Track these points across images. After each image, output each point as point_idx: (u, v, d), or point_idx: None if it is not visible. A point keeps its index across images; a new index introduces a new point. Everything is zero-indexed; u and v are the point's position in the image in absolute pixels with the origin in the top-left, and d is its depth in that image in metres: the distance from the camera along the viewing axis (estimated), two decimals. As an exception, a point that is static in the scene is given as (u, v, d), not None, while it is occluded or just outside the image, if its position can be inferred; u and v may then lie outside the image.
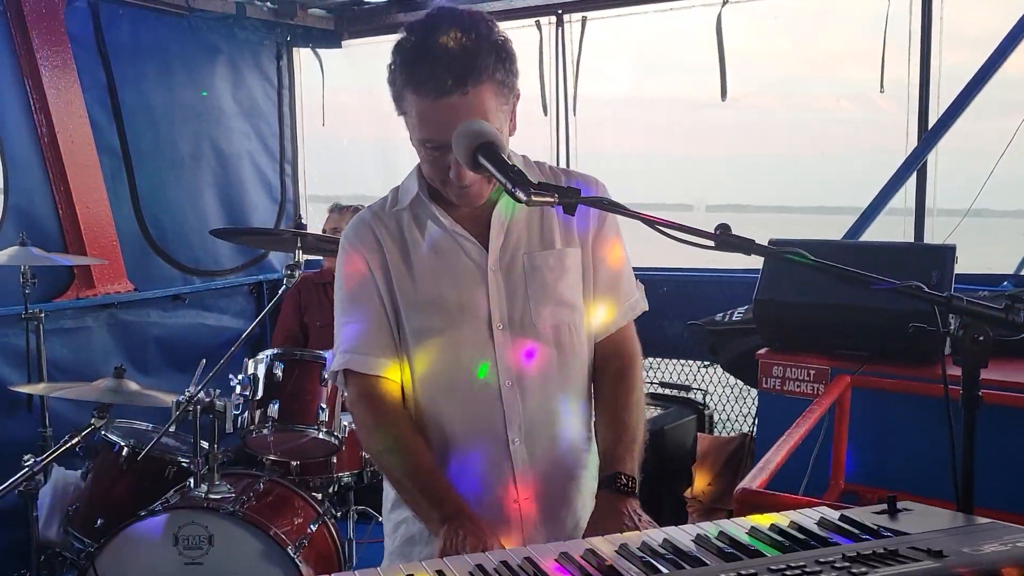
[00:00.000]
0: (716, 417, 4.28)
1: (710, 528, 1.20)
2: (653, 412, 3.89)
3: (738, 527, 1.20)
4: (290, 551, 2.69)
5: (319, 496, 3.15)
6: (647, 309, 1.80)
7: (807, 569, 1.01)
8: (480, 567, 1.08)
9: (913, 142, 3.90)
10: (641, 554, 1.10)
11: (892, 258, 3.13)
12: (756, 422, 3.42)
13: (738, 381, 4.21)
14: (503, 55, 1.50)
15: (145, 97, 4.41)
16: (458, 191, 1.56)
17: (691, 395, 4.24)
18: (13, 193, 3.87)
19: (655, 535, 1.18)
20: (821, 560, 1.04)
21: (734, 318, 3.70)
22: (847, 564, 1.03)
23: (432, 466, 1.58)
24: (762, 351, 3.27)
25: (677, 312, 4.16)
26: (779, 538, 1.14)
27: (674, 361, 4.50)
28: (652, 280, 4.47)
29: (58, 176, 3.98)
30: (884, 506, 1.27)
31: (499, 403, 1.62)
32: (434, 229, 1.65)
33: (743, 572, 1.01)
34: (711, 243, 1.32)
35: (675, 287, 4.33)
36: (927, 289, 1.33)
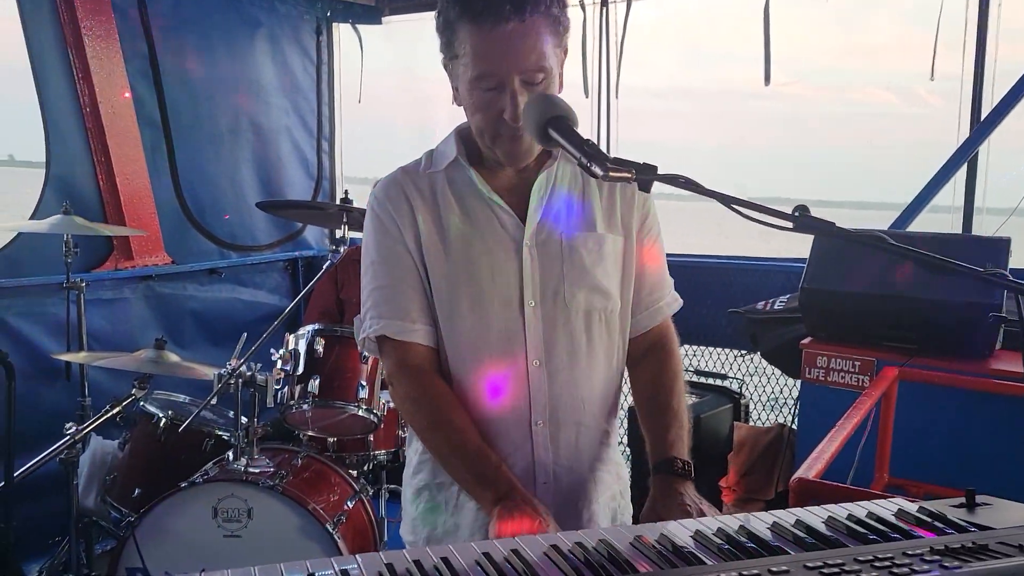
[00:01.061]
0: (752, 407, 4.23)
1: (785, 516, 1.16)
2: (689, 400, 3.85)
3: (814, 516, 1.17)
4: (328, 527, 2.70)
5: (355, 473, 3.15)
6: (682, 304, 1.76)
7: (896, 561, 0.97)
8: (555, 547, 1.05)
9: (964, 135, 3.80)
10: (719, 541, 1.07)
11: (946, 249, 3.04)
12: (797, 412, 3.37)
13: (775, 370, 4.16)
14: (555, 9, 1.46)
15: (186, 69, 4.40)
16: (508, 146, 1.51)
17: (727, 383, 4.19)
18: (55, 162, 3.88)
19: (730, 522, 1.15)
20: (909, 553, 1.00)
21: (776, 307, 3.65)
22: (937, 557, 0.99)
23: (479, 442, 1.53)
24: (806, 341, 3.23)
25: (715, 300, 4.11)
26: (859, 528, 1.11)
27: (710, 349, 4.45)
28: (691, 267, 4.47)
29: (99, 147, 3.99)
30: (962, 499, 1.23)
31: (525, 382, 1.58)
32: (470, 195, 1.59)
33: (829, 562, 0.97)
34: (790, 224, 1.27)
35: (713, 275, 4.28)
36: (1011, 277, 1.28)
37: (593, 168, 1.26)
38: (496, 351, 1.57)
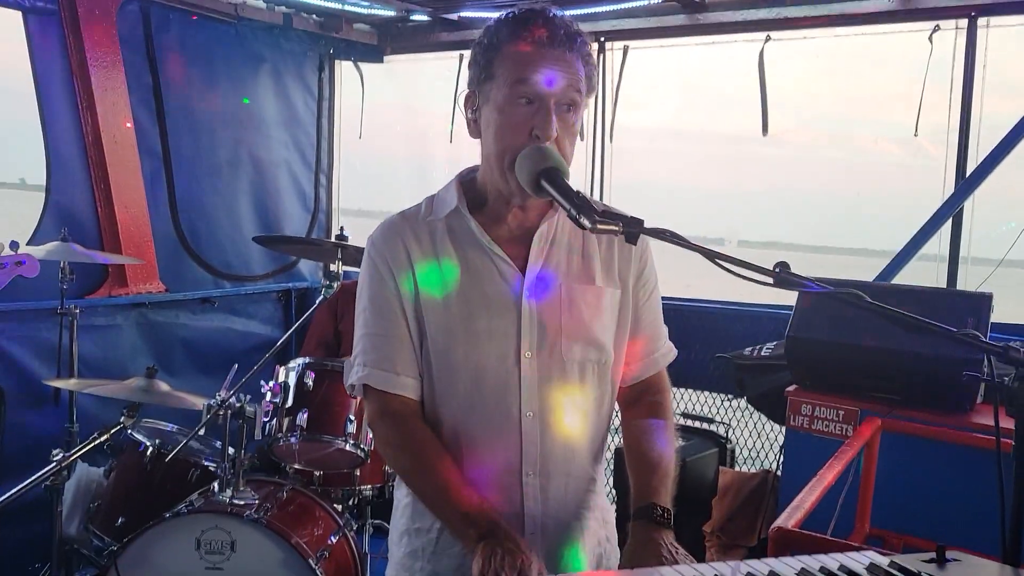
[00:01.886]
0: (738, 452, 4.25)
1: (759, 567, 1.19)
2: (676, 443, 3.86)
3: (788, 567, 1.20)
4: (311, 562, 2.69)
5: (339, 508, 3.15)
6: (690, 356, 1.80)
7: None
8: None
9: (950, 188, 3.89)
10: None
11: (929, 303, 3.11)
12: (781, 459, 3.39)
13: (762, 416, 4.18)
14: (594, 60, 1.54)
15: (189, 102, 4.47)
16: None
17: (714, 428, 4.21)
18: (55, 189, 3.93)
19: (705, 570, 1.17)
20: (876, 606, 1.03)
21: (763, 353, 3.68)
22: (903, 612, 1.02)
23: (461, 482, 1.55)
24: (791, 388, 3.26)
25: (702, 344, 4.14)
26: (830, 581, 1.14)
27: (697, 392, 4.48)
28: (680, 310, 4.51)
29: (100, 175, 4.04)
30: (933, 555, 1.26)
31: (518, 434, 1.59)
32: (469, 244, 1.60)
33: (798, 613, 1.00)
34: (770, 280, 1.32)
35: (702, 319, 4.32)
36: (983, 338, 1.32)
37: (582, 220, 1.31)
38: (490, 402, 1.59)
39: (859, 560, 1.23)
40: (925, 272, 4.14)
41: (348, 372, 1.67)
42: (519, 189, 1.51)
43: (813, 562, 1.21)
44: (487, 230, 1.60)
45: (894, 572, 1.19)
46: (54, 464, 2.82)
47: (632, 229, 1.30)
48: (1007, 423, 1.34)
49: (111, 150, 4.04)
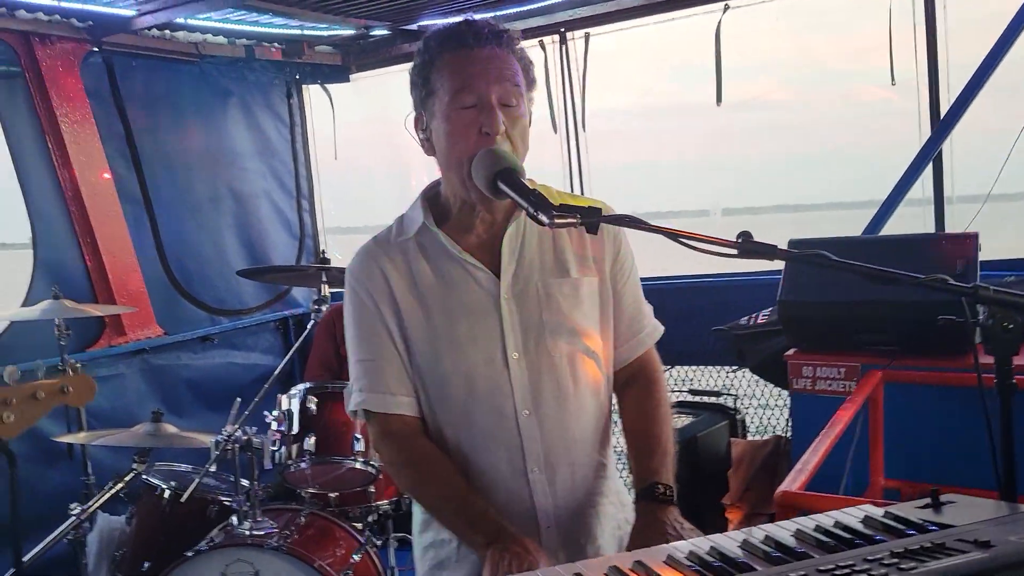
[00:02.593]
0: (748, 421, 4.27)
1: (756, 532, 1.21)
2: (684, 420, 3.88)
3: (783, 530, 1.21)
4: (336, 582, 2.72)
5: (359, 526, 3.17)
6: (663, 331, 1.81)
7: (856, 568, 1.02)
8: None
9: (927, 133, 3.89)
10: (689, 563, 1.12)
11: (916, 250, 3.12)
12: (790, 424, 3.41)
13: (768, 383, 4.20)
14: (526, 53, 1.59)
15: (162, 144, 4.51)
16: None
17: (721, 400, 4.23)
18: (42, 247, 3.96)
19: (701, 543, 1.19)
20: (869, 558, 1.04)
21: (759, 320, 3.70)
22: (895, 560, 1.03)
23: (466, 490, 1.58)
24: (790, 352, 3.27)
25: (701, 319, 4.15)
26: (825, 539, 1.15)
27: (702, 368, 4.50)
28: (673, 288, 4.52)
29: (84, 229, 4.07)
30: (928, 500, 1.28)
31: (516, 433, 1.61)
32: (442, 258, 1.63)
33: (791, 575, 1.02)
34: (734, 251, 1.34)
35: (696, 294, 4.34)
36: (952, 281, 1.34)
37: (540, 217, 1.32)
38: (485, 407, 1.61)
39: (854, 515, 1.24)
40: (914, 218, 4.15)
41: (348, 399, 1.70)
42: (480, 195, 1.53)
43: (809, 522, 1.23)
44: (457, 240, 1.63)
45: (889, 522, 1.20)
46: (73, 518, 2.86)
47: (590, 219, 1.31)
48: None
49: (92, 203, 4.07)
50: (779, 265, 3.80)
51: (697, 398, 4.26)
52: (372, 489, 3.26)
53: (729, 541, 1.20)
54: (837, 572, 1.01)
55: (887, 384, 2.95)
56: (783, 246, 1.37)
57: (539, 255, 1.65)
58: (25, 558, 2.78)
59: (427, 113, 1.58)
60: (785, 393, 4.21)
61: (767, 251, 1.33)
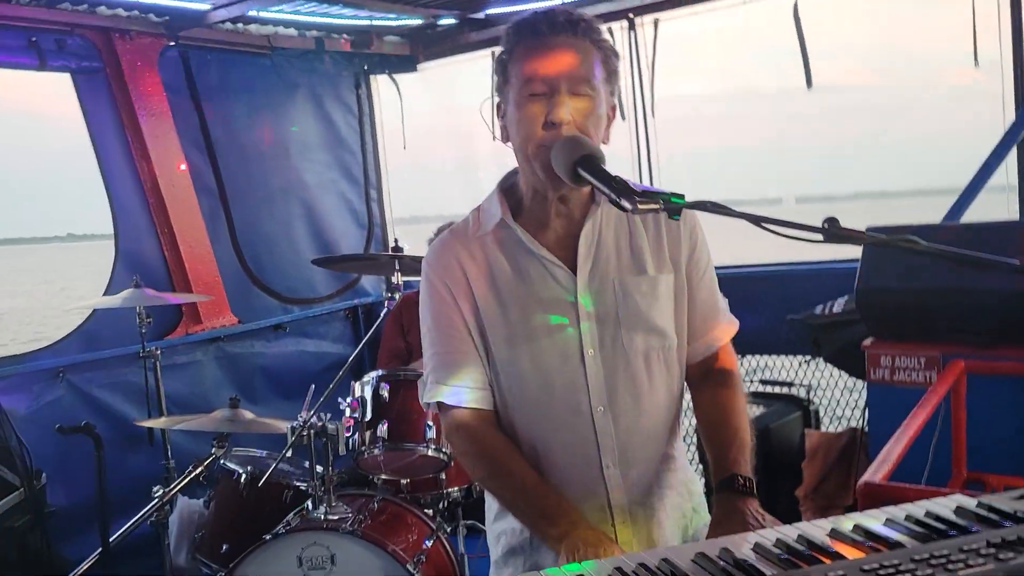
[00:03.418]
0: (822, 412, 4.18)
1: (843, 522, 1.18)
2: (756, 411, 3.83)
3: (872, 519, 1.18)
4: (409, 567, 2.75)
5: (430, 512, 3.22)
6: (738, 326, 1.78)
7: (952, 558, 0.99)
8: (619, 570, 1.09)
9: (1011, 116, 3.74)
10: (778, 551, 1.10)
11: (1000, 237, 3.01)
12: (867, 415, 3.32)
13: (843, 374, 4.10)
14: (608, 42, 1.57)
15: (235, 136, 4.61)
16: (546, 157, 1.52)
17: (794, 391, 4.15)
18: (123, 238, 4.09)
19: (788, 531, 1.17)
20: (965, 548, 1.02)
21: (835, 310, 3.61)
22: (992, 551, 1.00)
23: (539, 483, 1.59)
24: (868, 341, 3.19)
25: (772, 308, 4.08)
26: (917, 528, 1.12)
27: (773, 357, 4.41)
28: (744, 277, 4.45)
29: (162, 219, 4.19)
30: (1022, 492, 1.23)
31: (592, 429, 1.62)
32: (520, 253, 1.63)
33: (885, 563, 0.99)
34: (820, 237, 1.30)
35: (767, 283, 4.26)
36: (1052, 266, 1.28)
37: (622, 203, 1.31)
38: (560, 403, 1.62)
39: (946, 504, 1.21)
40: (996, 205, 4.00)
41: (422, 390, 1.72)
42: (548, 179, 1.53)
43: (899, 511, 1.20)
44: (534, 236, 1.63)
45: (982, 512, 1.16)
46: (156, 500, 2.96)
47: (673, 205, 1.29)
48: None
49: (169, 194, 4.19)
50: (854, 253, 3.72)
51: (769, 388, 4.18)
52: (443, 476, 3.30)
53: (816, 530, 1.17)
54: (933, 561, 0.99)
55: (969, 374, 2.86)
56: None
57: (616, 252, 1.64)
58: (111, 538, 2.89)
59: (504, 101, 1.60)
60: (860, 384, 4.11)
61: (855, 236, 1.29)
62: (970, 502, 1.21)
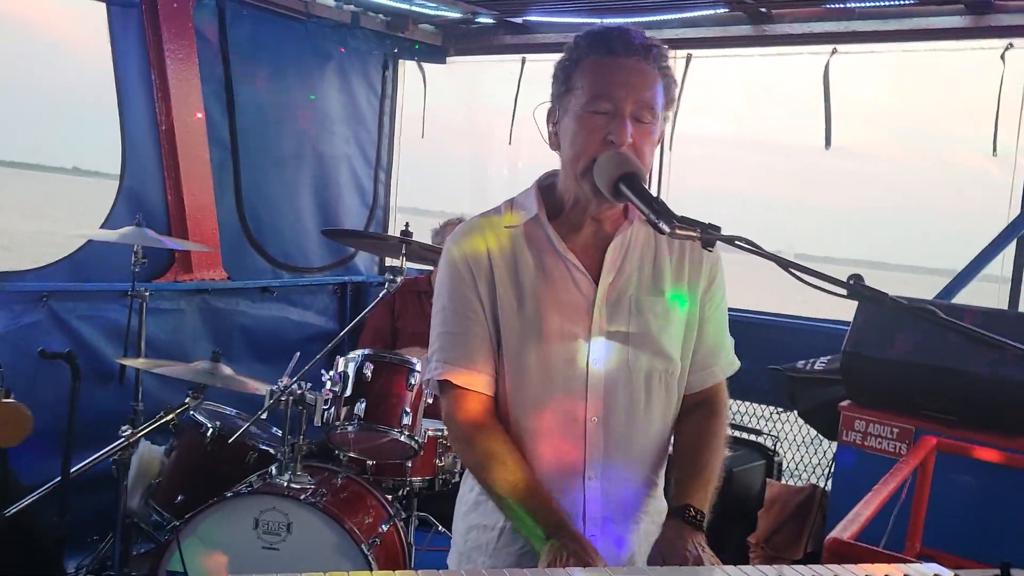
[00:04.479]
0: (785, 464, 4.23)
1: (823, 572, 1.21)
2: (724, 455, 3.86)
3: (852, 574, 1.22)
4: (364, 547, 2.76)
5: (390, 498, 3.22)
6: (739, 367, 1.81)
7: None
8: None
9: (1017, 209, 3.83)
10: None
11: (994, 325, 3.07)
12: (831, 474, 3.38)
13: (811, 431, 4.17)
14: (672, 71, 1.60)
15: (258, 95, 4.59)
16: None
17: (762, 440, 4.20)
18: (128, 175, 4.06)
19: (768, 571, 1.20)
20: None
21: (816, 367, 3.67)
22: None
23: (532, 481, 1.60)
24: (845, 403, 3.25)
25: (755, 355, 4.09)
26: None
27: (746, 404, 4.47)
28: (732, 321, 4.46)
29: (171, 163, 4.17)
30: (997, 572, 1.27)
31: (582, 438, 1.63)
32: (547, 252, 1.65)
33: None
34: (844, 292, 1.34)
35: (754, 330, 4.31)
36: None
37: (660, 225, 1.34)
38: (558, 406, 1.63)
39: (924, 571, 1.24)
40: (986, 293, 4.09)
41: (424, 368, 1.72)
42: (594, 195, 1.56)
43: (878, 572, 1.23)
44: (564, 238, 1.65)
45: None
46: (123, 440, 2.94)
47: (709, 236, 1.33)
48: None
49: (182, 140, 4.16)
50: (841, 315, 3.79)
51: (738, 433, 4.23)
52: (409, 464, 3.30)
53: (794, 574, 1.20)
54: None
55: (938, 452, 2.92)
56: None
57: (638, 270, 1.67)
58: (73, 470, 2.87)
59: (560, 109, 1.61)
60: (826, 444, 4.18)
61: (877, 297, 1.33)
62: (947, 572, 1.24)
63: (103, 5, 3.92)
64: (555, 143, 1.64)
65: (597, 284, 1.64)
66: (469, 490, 1.76)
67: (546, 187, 1.71)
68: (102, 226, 3.90)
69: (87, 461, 2.90)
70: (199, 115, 4.28)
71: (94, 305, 3.86)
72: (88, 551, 3.54)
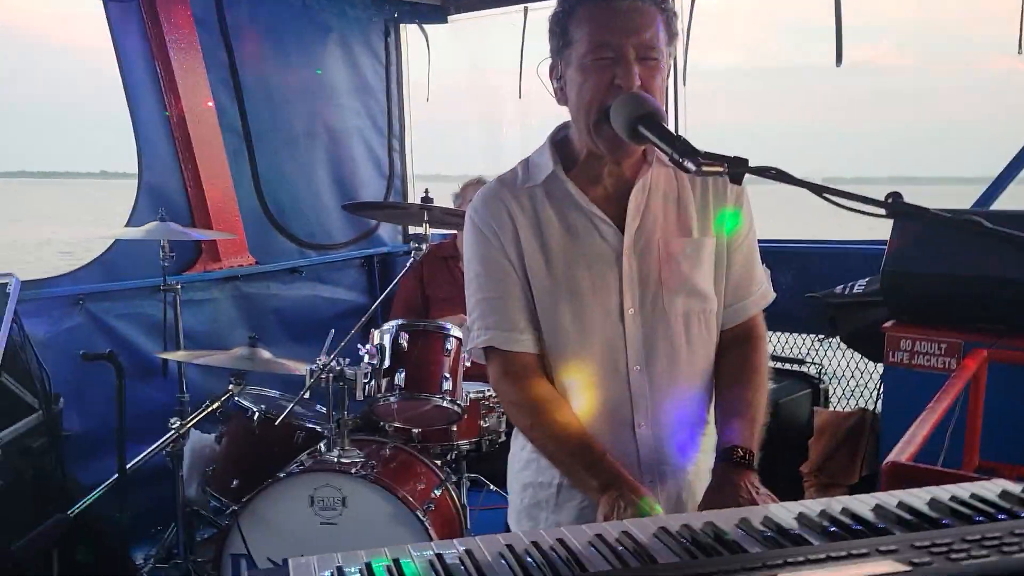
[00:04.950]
0: (832, 391, 4.20)
1: (887, 499, 1.19)
2: (767, 389, 3.84)
3: (916, 498, 1.19)
4: (418, 514, 2.79)
5: (439, 463, 3.25)
6: (775, 297, 1.78)
7: (1005, 540, 0.99)
8: (600, 536, 1.10)
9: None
10: (824, 522, 1.10)
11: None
12: (880, 397, 3.34)
13: (856, 355, 4.12)
14: (671, 4, 1.55)
15: (263, 77, 4.55)
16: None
17: (806, 368, 4.17)
18: (147, 171, 4.07)
19: (832, 504, 1.17)
20: (1017, 532, 1.02)
21: (855, 290, 3.61)
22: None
23: (583, 434, 1.59)
24: (889, 324, 3.19)
25: (790, 284, 4.08)
26: (965, 510, 1.13)
27: (787, 334, 4.42)
28: (765, 252, 4.41)
29: (187, 155, 4.16)
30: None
31: (627, 388, 1.63)
32: (569, 207, 1.63)
33: (938, 541, 0.99)
34: (882, 211, 1.29)
35: (788, 259, 4.25)
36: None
37: (685, 163, 1.30)
38: (597, 359, 1.62)
39: (990, 488, 1.21)
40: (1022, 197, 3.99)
41: (466, 337, 1.72)
42: (608, 145, 1.53)
43: (942, 492, 1.20)
44: (584, 191, 1.63)
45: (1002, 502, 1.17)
46: (173, 432, 2.98)
47: (737, 169, 1.28)
48: None
49: (195, 130, 4.15)
50: (877, 235, 3.71)
51: (781, 365, 4.20)
52: (454, 429, 3.32)
53: (860, 504, 1.18)
54: (985, 543, 0.99)
55: (989, 363, 2.86)
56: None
57: (663, 213, 1.64)
58: (128, 465, 2.92)
59: (563, 62, 1.57)
60: (872, 367, 4.13)
61: (918, 212, 1.28)
62: (1015, 487, 1.21)
63: (100, 5, 3.88)
64: (562, 98, 1.61)
65: (623, 232, 1.61)
66: (520, 448, 1.76)
67: (559, 141, 1.68)
68: (127, 224, 3.92)
69: (141, 456, 2.95)
70: (209, 103, 4.26)
71: (129, 303, 3.91)
72: (153, 542, 3.62)
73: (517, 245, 1.63)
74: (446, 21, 5.21)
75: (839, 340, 3.96)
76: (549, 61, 1.62)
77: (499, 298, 1.65)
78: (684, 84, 4.56)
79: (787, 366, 4.22)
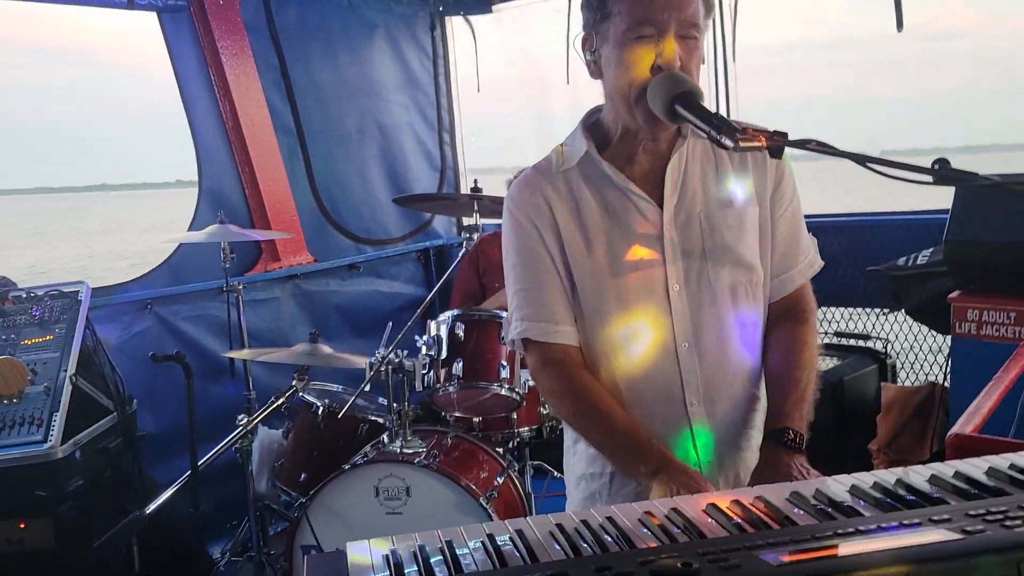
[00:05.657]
0: (899, 366, 4.10)
1: (943, 469, 1.17)
2: (831, 363, 3.77)
3: (974, 467, 1.17)
4: (482, 502, 2.82)
5: (500, 451, 3.28)
6: (823, 265, 1.74)
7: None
8: (649, 514, 1.10)
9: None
10: (877, 494, 1.09)
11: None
12: (948, 369, 3.25)
13: (922, 328, 4.01)
14: None
15: (313, 77, 4.64)
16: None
17: (870, 344, 4.08)
18: (206, 176, 4.18)
19: (886, 476, 1.16)
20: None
21: (919, 262, 3.51)
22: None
23: (628, 421, 1.58)
24: (955, 294, 3.10)
25: (851, 259, 4.00)
26: (1022, 477, 1.10)
27: (850, 310, 4.33)
28: (823, 227, 4.34)
29: (243, 158, 4.27)
30: None
31: (676, 365, 1.61)
32: (606, 188, 1.62)
33: (992, 509, 0.98)
34: (928, 179, 1.26)
35: (846, 234, 4.16)
36: None
37: (723, 140, 1.29)
38: (644, 338, 1.61)
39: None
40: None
41: (506, 328, 1.73)
42: (647, 121, 1.51)
43: (1001, 461, 1.17)
44: (620, 170, 1.61)
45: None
46: (241, 428, 3.07)
47: (777, 143, 1.27)
48: None
49: (250, 133, 4.25)
50: (939, 205, 3.60)
51: (844, 341, 4.11)
52: (514, 416, 3.35)
53: (916, 476, 1.17)
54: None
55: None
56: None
57: (702, 185, 1.62)
58: (200, 462, 3.02)
59: (599, 37, 1.55)
60: (939, 339, 4.02)
61: (966, 177, 1.25)
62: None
63: (154, 14, 4.00)
64: (596, 71, 1.59)
65: (663, 208, 1.60)
66: (574, 441, 1.76)
67: (591, 124, 1.67)
68: (189, 228, 4.05)
69: (212, 453, 3.04)
70: (262, 106, 4.36)
71: (195, 305, 4.03)
72: (228, 536, 3.75)
73: (556, 232, 1.63)
74: (490, 11, 5.22)
75: (904, 313, 3.86)
76: (583, 34, 1.60)
77: (536, 289, 1.65)
78: (734, 60, 4.49)
79: (852, 342, 4.12)
